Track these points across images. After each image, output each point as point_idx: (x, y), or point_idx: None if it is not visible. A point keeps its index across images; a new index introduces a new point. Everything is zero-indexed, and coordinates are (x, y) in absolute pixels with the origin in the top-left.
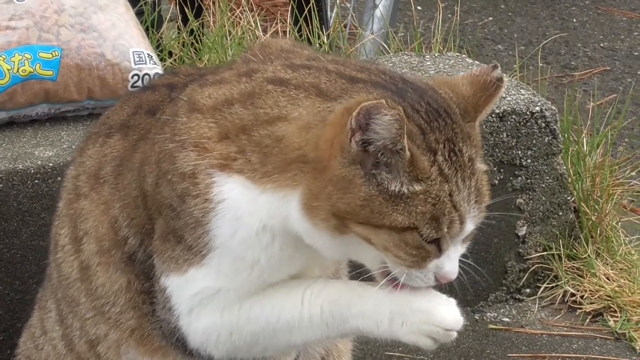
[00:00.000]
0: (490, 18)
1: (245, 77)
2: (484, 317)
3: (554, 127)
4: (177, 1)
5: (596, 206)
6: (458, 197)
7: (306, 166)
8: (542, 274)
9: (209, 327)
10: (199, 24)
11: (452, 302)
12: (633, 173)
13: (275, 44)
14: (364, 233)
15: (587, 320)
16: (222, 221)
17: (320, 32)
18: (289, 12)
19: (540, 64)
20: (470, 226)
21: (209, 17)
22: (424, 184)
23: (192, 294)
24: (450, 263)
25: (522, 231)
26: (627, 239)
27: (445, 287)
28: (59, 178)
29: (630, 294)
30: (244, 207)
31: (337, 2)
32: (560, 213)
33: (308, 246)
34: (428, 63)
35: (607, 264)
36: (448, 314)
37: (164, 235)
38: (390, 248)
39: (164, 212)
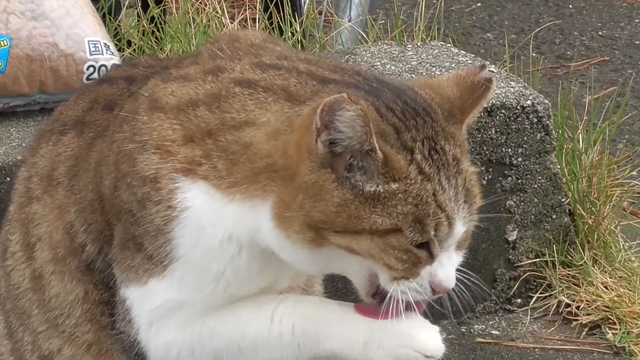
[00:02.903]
0: (479, 4)
1: (212, 76)
2: (471, 330)
3: (547, 122)
4: None
5: (593, 208)
6: (443, 197)
7: (276, 175)
8: (535, 283)
9: (170, 343)
10: (161, 11)
11: (436, 328)
12: (633, 172)
13: (245, 38)
14: (344, 242)
15: (584, 332)
16: (185, 230)
17: (293, 20)
18: None
19: (533, 54)
20: (460, 228)
21: (172, 3)
22: (401, 183)
23: (154, 307)
24: (443, 270)
25: (513, 236)
26: (626, 244)
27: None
28: (9, 179)
29: (630, 304)
30: (207, 217)
31: None
32: (554, 216)
33: (278, 258)
34: (410, 53)
35: (605, 272)
36: (430, 339)
37: (122, 242)
38: (377, 254)
39: (122, 218)
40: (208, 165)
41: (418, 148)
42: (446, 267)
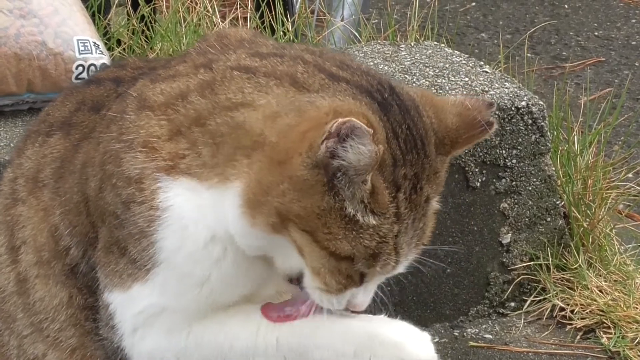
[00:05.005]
0: (474, 3)
1: (204, 68)
2: (464, 334)
3: (542, 124)
4: None
5: (588, 211)
6: (402, 240)
7: (256, 153)
8: (529, 286)
9: (154, 350)
10: (151, 10)
11: (427, 337)
12: (629, 175)
13: (234, 34)
14: (300, 242)
15: (578, 337)
16: (168, 232)
17: (285, 19)
18: None
19: (528, 55)
20: (401, 268)
21: (162, 1)
22: (378, 219)
23: (136, 312)
24: (364, 295)
25: (507, 239)
26: (622, 247)
27: (421, 301)
28: None
29: (625, 309)
30: (189, 215)
31: None
32: (549, 219)
33: (264, 262)
34: (403, 53)
35: (600, 275)
36: (423, 349)
37: (107, 246)
38: (320, 271)
39: (107, 220)
40: (192, 155)
41: (404, 187)
42: (368, 293)
